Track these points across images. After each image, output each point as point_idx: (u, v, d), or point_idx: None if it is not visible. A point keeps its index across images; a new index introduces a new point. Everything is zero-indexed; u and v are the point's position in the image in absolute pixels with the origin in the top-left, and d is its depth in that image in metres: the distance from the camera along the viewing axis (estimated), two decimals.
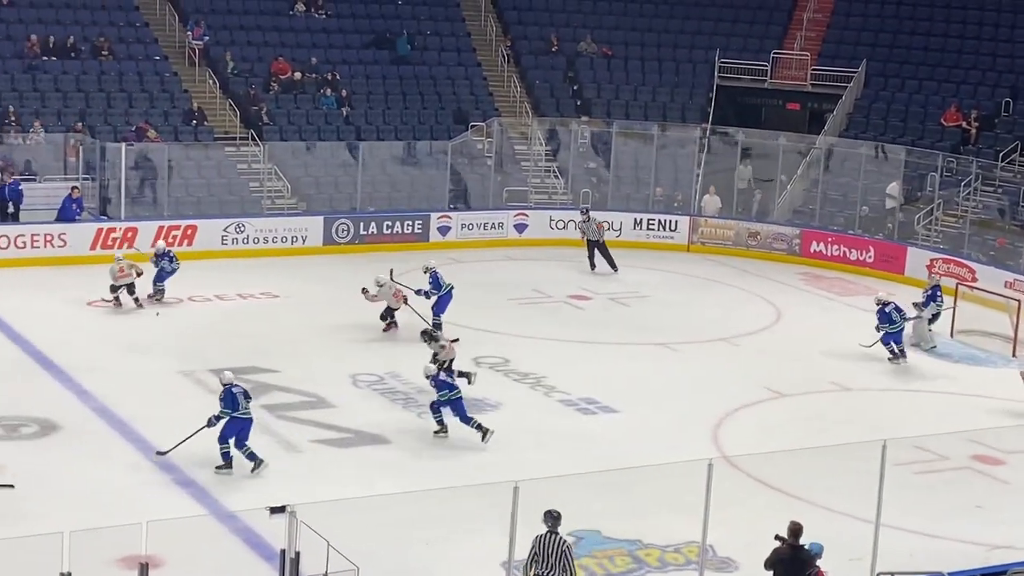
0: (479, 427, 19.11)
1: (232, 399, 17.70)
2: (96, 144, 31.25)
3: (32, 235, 28.27)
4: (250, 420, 17.79)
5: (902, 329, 24.38)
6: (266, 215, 31.61)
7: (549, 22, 40.60)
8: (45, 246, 28.36)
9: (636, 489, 16.95)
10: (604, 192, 35.40)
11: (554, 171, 36.39)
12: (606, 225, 31.60)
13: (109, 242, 28.90)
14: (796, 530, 13.44)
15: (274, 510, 12.21)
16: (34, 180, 30.60)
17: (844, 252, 32.48)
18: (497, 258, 31.72)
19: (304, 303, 26.52)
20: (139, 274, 25.29)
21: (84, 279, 27.14)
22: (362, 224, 31.83)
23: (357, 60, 37.89)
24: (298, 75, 36.20)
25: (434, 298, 24.54)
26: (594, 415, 20.90)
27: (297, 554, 12.26)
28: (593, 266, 30.66)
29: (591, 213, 31.52)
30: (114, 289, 25.08)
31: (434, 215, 32.66)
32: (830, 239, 32.84)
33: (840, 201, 34.43)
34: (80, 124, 32.26)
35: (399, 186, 34.19)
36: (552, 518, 13.32)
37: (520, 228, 33.47)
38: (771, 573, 13.47)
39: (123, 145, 30.89)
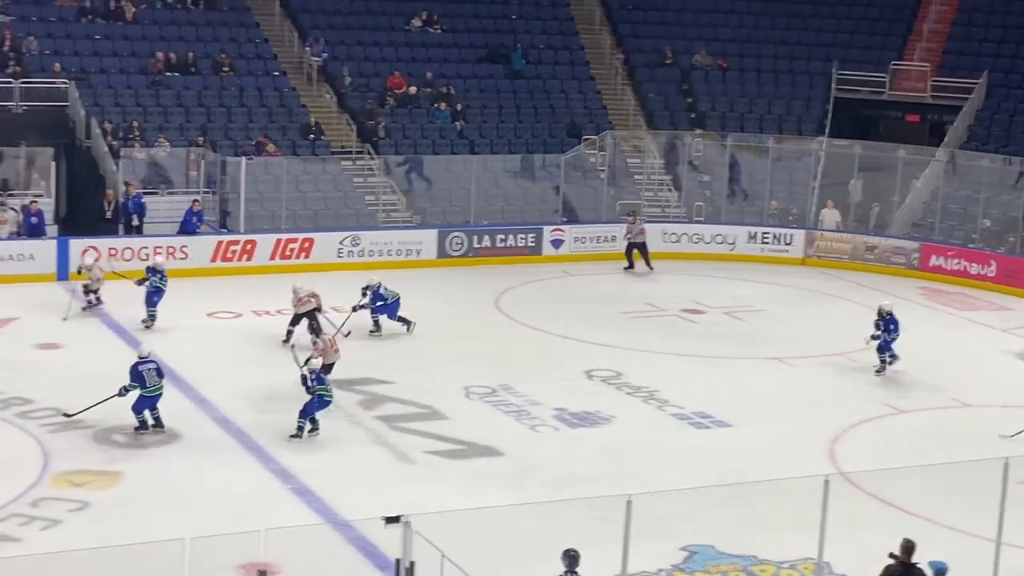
0: (306, 429, 19.11)
1: (139, 376, 18.83)
2: (217, 158, 31.86)
3: (155, 247, 28.87)
4: (159, 396, 19.00)
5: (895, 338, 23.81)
6: (381, 228, 31.94)
7: (663, 35, 40.48)
8: (167, 258, 28.87)
9: (751, 504, 16.81)
10: (718, 205, 35.19)
11: (667, 184, 36.26)
12: (647, 230, 31.96)
13: (228, 254, 29.44)
14: (909, 548, 13.23)
15: (389, 520, 12.33)
16: (157, 193, 31.24)
17: (965, 266, 31.89)
18: (610, 271, 31.68)
19: (418, 315, 26.71)
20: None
21: (204, 290, 27.68)
22: (476, 237, 32.02)
23: (472, 74, 38.15)
24: (413, 89, 36.53)
25: (367, 309, 25.01)
26: (708, 429, 20.77)
27: (412, 564, 12.36)
28: (631, 265, 31.47)
29: (638, 217, 32.14)
30: (88, 291, 25.74)
31: (547, 228, 32.73)
32: (950, 253, 32.27)
33: (960, 214, 33.83)
34: (202, 138, 32.91)
35: (512, 199, 34.33)
36: (569, 558, 13.08)
37: None
38: None
39: (243, 159, 31.44)
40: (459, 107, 36.58)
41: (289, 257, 30.00)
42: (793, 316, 28.21)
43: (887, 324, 23.61)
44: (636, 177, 36.33)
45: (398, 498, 17.09)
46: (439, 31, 39.07)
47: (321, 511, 16.80)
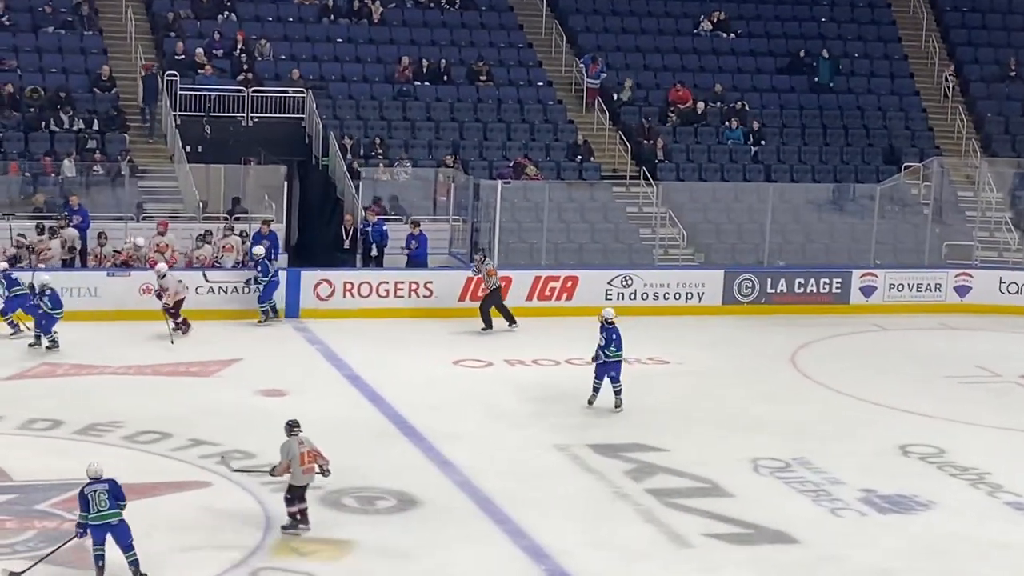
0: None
1: (84, 501, 16.49)
2: (469, 181, 32.45)
3: (396, 282, 29.56)
4: (108, 525, 16.30)
5: None
6: (657, 267, 31.99)
7: (1006, 42, 39.56)
8: (409, 295, 29.57)
9: None
10: None
11: (1006, 222, 35.26)
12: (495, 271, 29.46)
13: (480, 293, 29.89)
14: None
15: None
16: (400, 221, 32.00)
17: None
18: (932, 326, 30.96)
19: (699, 371, 26.60)
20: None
21: (450, 334, 28.21)
22: (770, 281, 31.75)
23: (770, 87, 38.00)
24: (700, 105, 36.57)
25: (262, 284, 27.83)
26: None
27: None
28: (488, 325, 28.82)
29: (486, 256, 29.75)
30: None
31: (856, 272, 32.23)
32: None
33: None
34: (452, 157, 33.58)
35: (815, 236, 33.96)
36: None
37: (962, 291, 32.53)
38: None
39: (498, 182, 31.95)
40: (754, 126, 36.42)
41: (548, 298, 30.29)
42: None
43: None
44: (968, 213, 35.49)
45: None
46: (733, 36, 39.05)
47: None
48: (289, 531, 18.08)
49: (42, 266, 28.03)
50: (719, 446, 22.41)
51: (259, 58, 35.62)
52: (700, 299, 31.36)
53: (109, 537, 16.36)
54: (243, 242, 29.76)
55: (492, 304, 28.88)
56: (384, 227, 31.05)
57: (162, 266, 27.47)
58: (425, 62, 36.21)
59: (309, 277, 29.11)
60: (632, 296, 30.90)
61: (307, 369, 25.95)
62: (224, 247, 29.57)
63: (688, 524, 19.26)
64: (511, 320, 28.93)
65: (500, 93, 36.25)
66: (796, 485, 20.96)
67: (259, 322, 28.19)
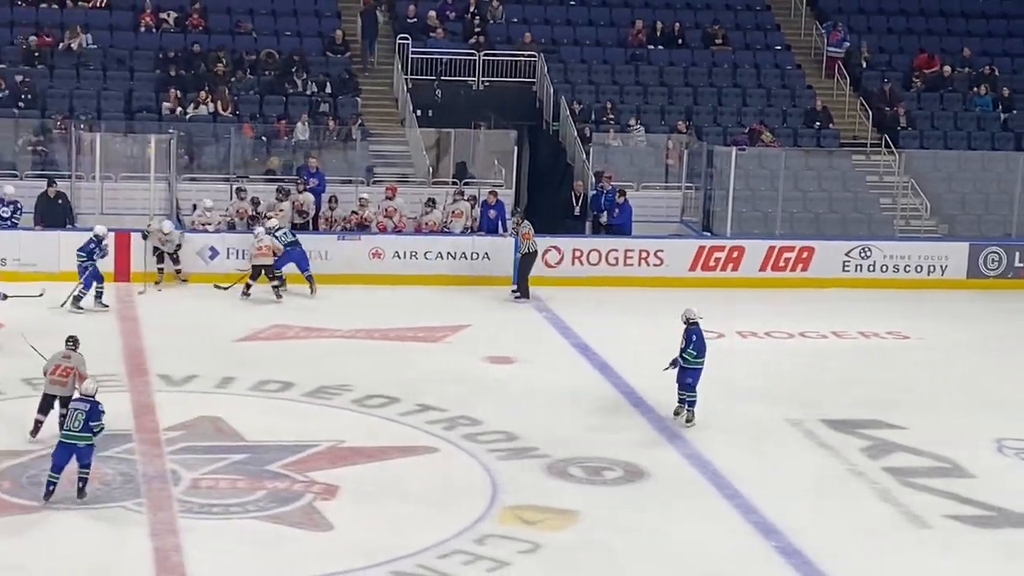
0: None
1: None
2: (702, 147, 32.31)
3: (626, 250, 29.62)
4: (75, 447, 17.35)
5: None
6: (898, 238, 31.46)
7: None
8: (639, 263, 29.57)
9: None
10: None
11: None
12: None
13: (711, 262, 29.77)
14: None
15: None
16: (631, 187, 31.95)
17: None
18: None
19: (941, 347, 26.12)
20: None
21: (679, 304, 28.05)
22: (1018, 254, 31.00)
23: (1022, 51, 36.94)
24: (947, 69, 35.78)
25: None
26: None
27: None
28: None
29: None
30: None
31: None
32: None
33: None
34: (685, 123, 33.46)
35: None
36: None
37: None
38: None
39: (733, 149, 31.75)
40: (1004, 92, 35.51)
41: (783, 268, 30.03)
42: None
43: None
44: None
45: (905, 568, 16.82)
46: None
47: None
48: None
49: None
50: (960, 425, 22.00)
51: (491, 21, 35.88)
52: (943, 272, 30.75)
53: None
54: (472, 207, 30.04)
55: (527, 270, 28.47)
56: (615, 195, 30.97)
57: (268, 225, 27.87)
58: (659, 25, 36.11)
59: (538, 244, 29.29)
60: (871, 268, 30.45)
61: (535, 337, 26.15)
62: (453, 212, 29.87)
63: (927, 505, 18.95)
64: (523, 293, 28.27)
65: (736, 57, 35.98)
66: None
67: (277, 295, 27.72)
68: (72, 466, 17.53)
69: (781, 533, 17.82)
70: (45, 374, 19.28)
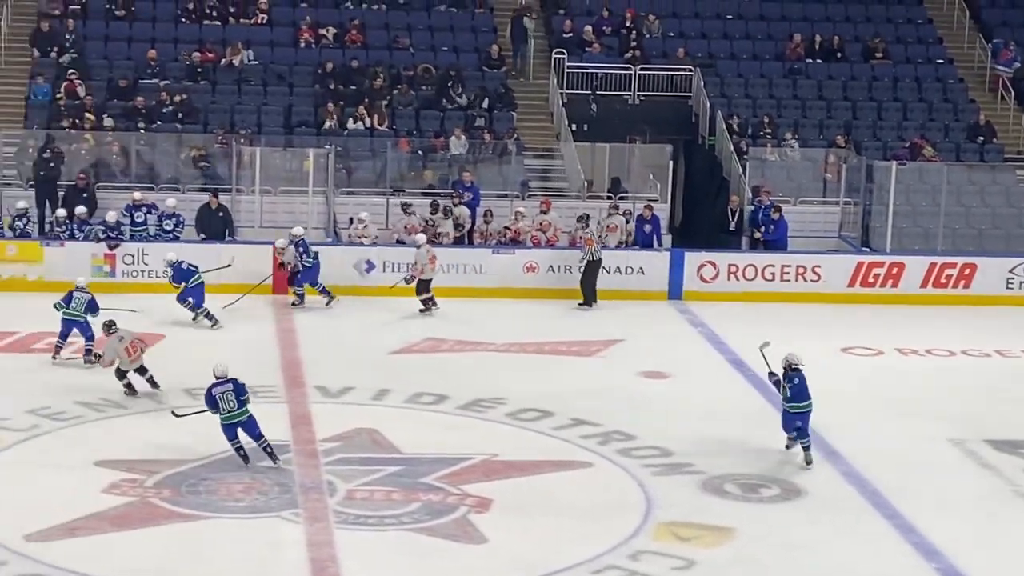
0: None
1: (211, 400, 19.03)
2: (861, 162, 31.99)
3: (783, 266, 29.41)
4: (239, 423, 18.94)
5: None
6: None
7: None
8: (796, 279, 29.33)
9: None
10: None
11: None
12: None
13: (870, 278, 29.41)
14: None
15: None
16: (788, 202, 31.70)
17: None
18: None
19: None
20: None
21: (839, 320, 27.92)
22: None
23: None
24: None
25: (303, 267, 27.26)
26: None
27: None
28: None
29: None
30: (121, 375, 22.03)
31: None
32: None
33: None
34: (843, 138, 33.15)
35: None
36: None
37: None
38: None
39: (894, 163, 31.40)
40: None
41: (944, 285, 29.59)
42: None
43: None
44: None
45: None
46: None
47: None
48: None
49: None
50: None
51: (647, 36, 35.85)
52: None
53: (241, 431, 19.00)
54: (627, 222, 30.00)
55: (592, 277, 28.23)
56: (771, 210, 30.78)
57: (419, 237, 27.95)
58: (818, 38, 35.83)
59: (693, 258, 29.17)
60: None
61: (690, 352, 26.03)
62: (608, 227, 29.84)
63: None
64: (589, 302, 28.16)
65: (897, 71, 35.57)
66: None
67: (292, 304, 27.70)
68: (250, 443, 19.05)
69: (942, 555, 17.50)
70: (112, 364, 21.60)
